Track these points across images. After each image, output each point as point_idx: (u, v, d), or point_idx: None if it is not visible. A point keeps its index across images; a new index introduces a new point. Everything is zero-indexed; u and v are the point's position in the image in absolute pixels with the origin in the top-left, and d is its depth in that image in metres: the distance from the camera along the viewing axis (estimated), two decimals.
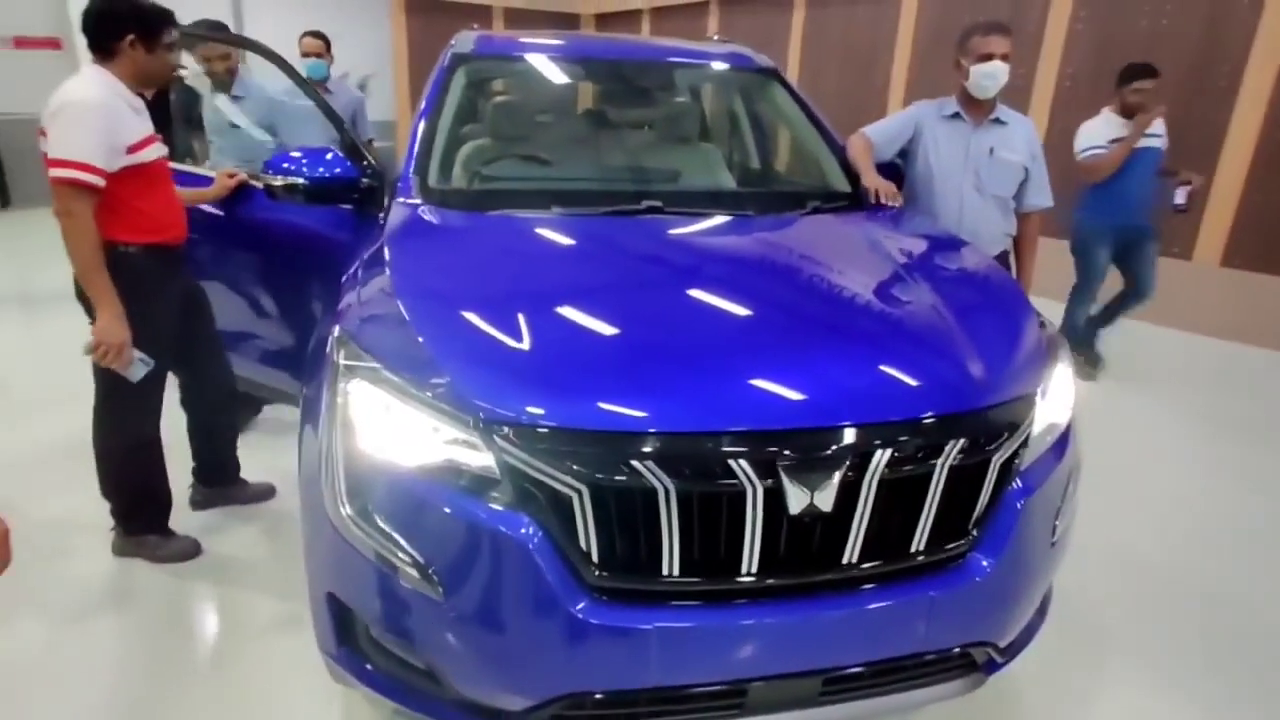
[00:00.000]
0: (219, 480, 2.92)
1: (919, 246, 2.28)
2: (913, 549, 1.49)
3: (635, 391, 1.43)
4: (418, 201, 2.27)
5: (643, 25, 11.50)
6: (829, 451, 1.39)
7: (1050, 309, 5.95)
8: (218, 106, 3.73)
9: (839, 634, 1.49)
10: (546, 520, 1.37)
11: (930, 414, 1.47)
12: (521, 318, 1.59)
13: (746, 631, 1.43)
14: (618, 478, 1.34)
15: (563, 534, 1.37)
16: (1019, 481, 1.59)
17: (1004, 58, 2.69)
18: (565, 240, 2.10)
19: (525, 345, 1.52)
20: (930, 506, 1.47)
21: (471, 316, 1.60)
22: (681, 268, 2.02)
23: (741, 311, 1.72)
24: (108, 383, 2.37)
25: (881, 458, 1.41)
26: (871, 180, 2.58)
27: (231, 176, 2.79)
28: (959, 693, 1.70)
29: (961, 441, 1.47)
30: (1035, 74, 6.35)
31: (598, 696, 1.44)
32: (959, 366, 1.60)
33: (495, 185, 2.67)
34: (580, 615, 1.36)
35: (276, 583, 2.48)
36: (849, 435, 1.41)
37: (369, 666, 1.59)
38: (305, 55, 4.43)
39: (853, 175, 2.69)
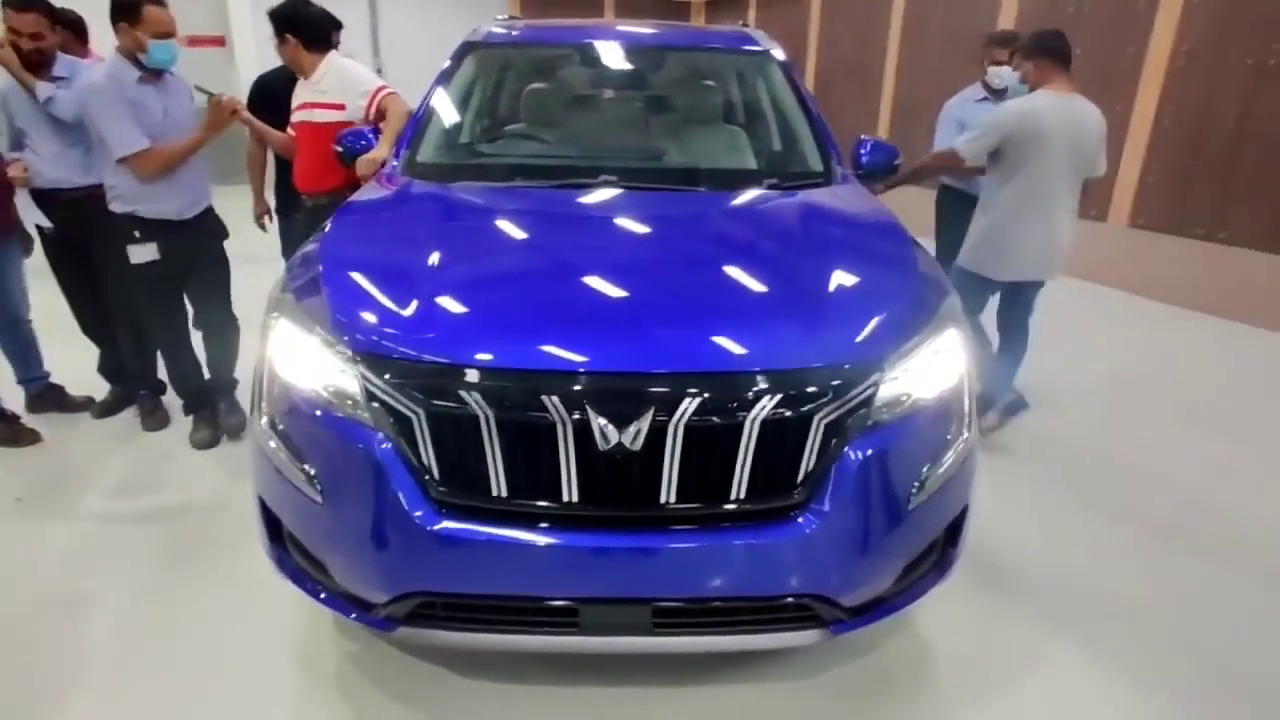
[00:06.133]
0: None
1: (832, 222, 2.33)
2: (732, 497, 1.60)
3: (468, 332, 1.67)
4: (401, 175, 2.58)
5: (749, 13, 11.49)
6: (631, 395, 1.54)
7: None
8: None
9: (661, 568, 1.62)
10: (396, 438, 1.61)
11: (735, 370, 1.57)
12: (403, 273, 1.86)
13: (571, 555, 1.60)
14: (447, 403, 1.57)
15: (409, 450, 1.61)
16: (859, 445, 1.65)
17: (996, 63, 3.82)
18: (493, 207, 2.33)
19: (394, 295, 1.78)
20: (745, 458, 1.58)
21: (362, 274, 1.89)
22: (584, 233, 2.19)
23: (603, 273, 1.86)
24: None
25: (687, 406, 1.53)
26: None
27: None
28: (802, 643, 1.79)
29: (772, 398, 1.56)
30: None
31: (443, 598, 1.66)
32: (783, 330, 1.68)
33: (471, 160, 2.94)
34: (419, 522, 1.59)
35: None
36: (650, 382, 1.55)
37: (288, 561, 1.89)
38: None
39: (825, 154, 2.73)
